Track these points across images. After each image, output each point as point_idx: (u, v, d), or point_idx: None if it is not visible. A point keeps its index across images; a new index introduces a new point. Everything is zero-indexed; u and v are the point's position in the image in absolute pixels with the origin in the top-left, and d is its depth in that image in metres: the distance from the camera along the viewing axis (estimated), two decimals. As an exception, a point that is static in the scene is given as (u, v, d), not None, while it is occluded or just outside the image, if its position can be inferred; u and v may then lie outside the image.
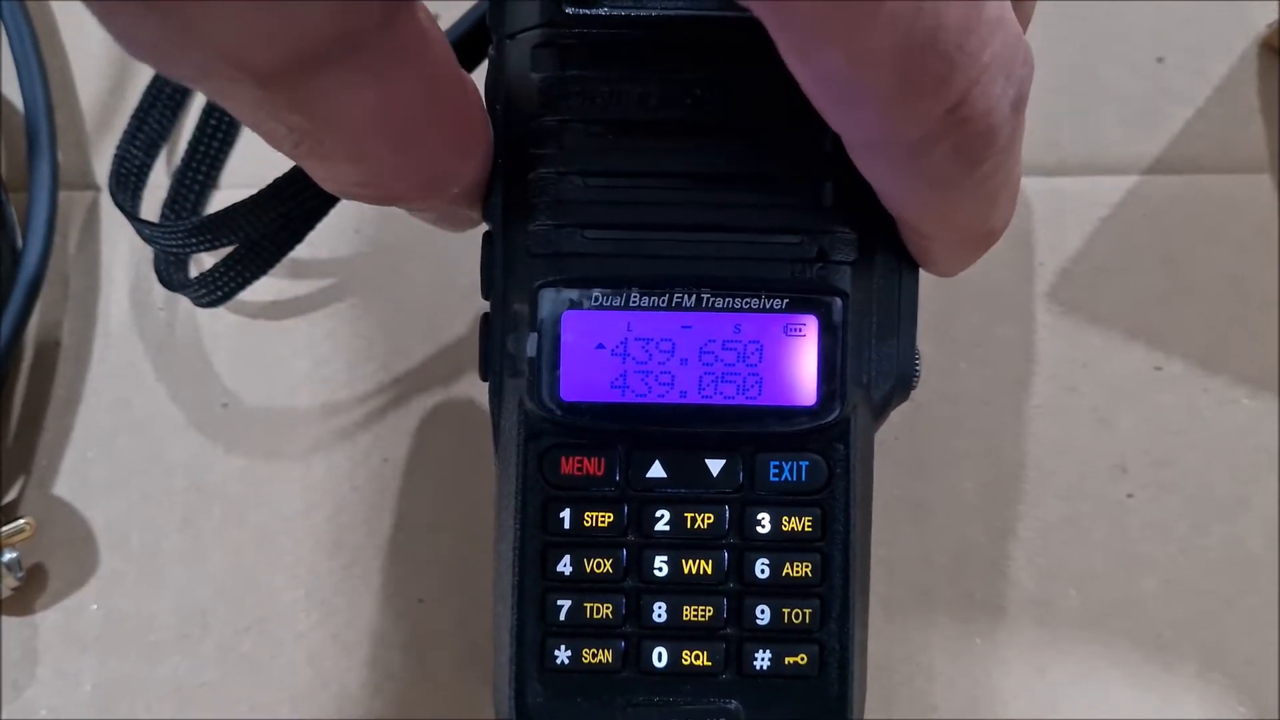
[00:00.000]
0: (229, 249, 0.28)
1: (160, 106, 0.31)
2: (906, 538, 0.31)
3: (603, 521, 0.23)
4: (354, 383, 0.34)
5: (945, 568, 0.32)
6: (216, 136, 0.30)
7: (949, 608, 0.32)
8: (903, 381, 0.23)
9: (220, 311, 0.33)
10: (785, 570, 0.23)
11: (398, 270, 0.34)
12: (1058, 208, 0.33)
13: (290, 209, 0.27)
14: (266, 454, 0.33)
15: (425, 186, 0.20)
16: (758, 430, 0.22)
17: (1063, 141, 0.34)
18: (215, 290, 0.29)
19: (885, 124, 0.17)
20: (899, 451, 0.32)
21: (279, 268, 0.30)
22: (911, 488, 0.32)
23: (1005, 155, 0.18)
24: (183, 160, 0.31)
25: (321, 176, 0.20)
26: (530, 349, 0.22)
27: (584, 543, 0.23)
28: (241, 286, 0.29)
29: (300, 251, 0.30)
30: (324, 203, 0.28)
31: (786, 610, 0.23)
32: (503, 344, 0.22)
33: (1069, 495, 0.32)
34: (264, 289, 0.33)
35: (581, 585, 0.23)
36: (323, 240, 0.34)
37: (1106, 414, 0.33)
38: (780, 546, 0.23)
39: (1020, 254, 0.33)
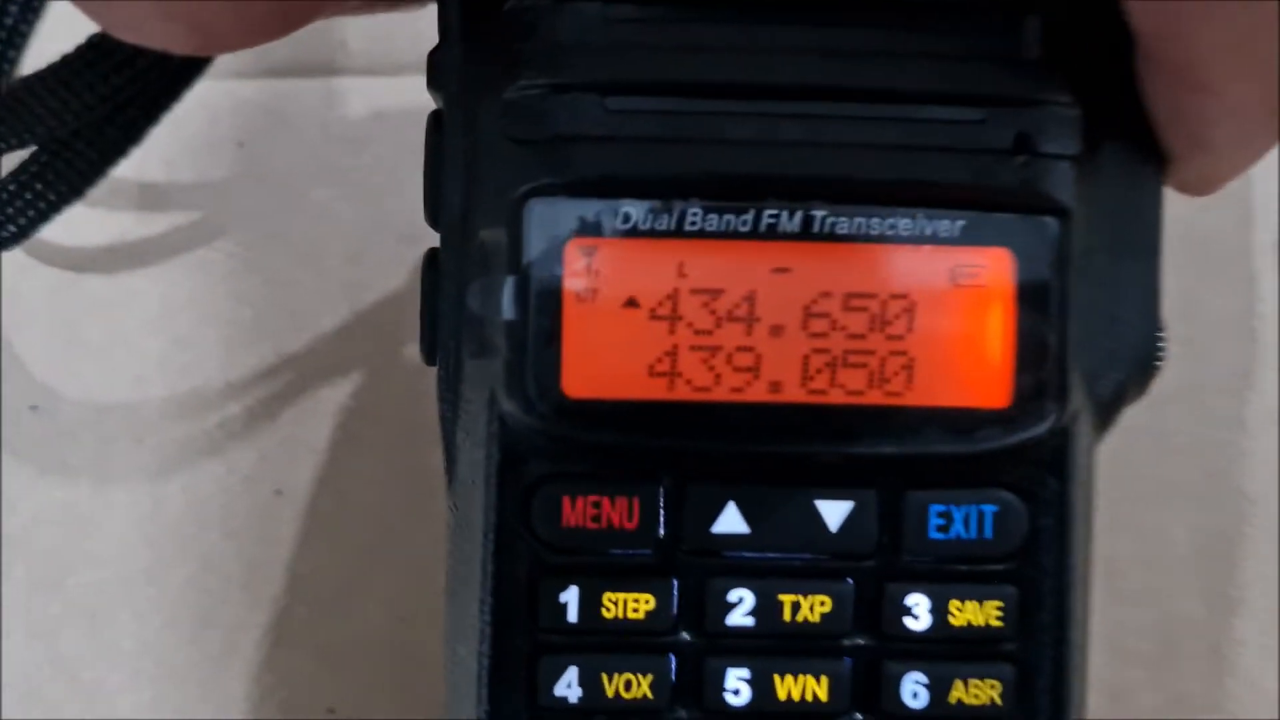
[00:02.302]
0: (22, 153, 0.26)
1: None
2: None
3: (636, 609, 0.20)
4: (230, 373, 0.32)
5: (1148, 658, 0.30)
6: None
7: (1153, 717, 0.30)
8: (1143, 365, 0.21)
9: (26, 264, 0.32)
10: (955, 695, 0.20)
11: (299, 202, 0.32)
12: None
13: (120, 85, 0.24)
14: (96, 481, 0.31)
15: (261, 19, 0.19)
16: (907, 450, 0.20)
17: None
18: (3, 221, 0.27)
19: None
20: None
21: (118, 196, 0.29)
22: (1098, 538, 0.27)
23: None
24: None
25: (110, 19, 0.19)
26: (508, 307, 0.19)
27: (602, 646, 0.20)
28: (44, 217, 0.26)
29: (155, 174, 0.30)
30: (172, 76, 0.25)
31: None
32: (461, 300, 0.20)
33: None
34: (95, 229, 0.31)
35: (598, 722, 0.21)
36: (186, 156, 0.32)
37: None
38: (946, 654, 0.21)
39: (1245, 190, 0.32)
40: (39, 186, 0.26)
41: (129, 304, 0.32)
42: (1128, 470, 0.30)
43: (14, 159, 0.26)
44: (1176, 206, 0.22)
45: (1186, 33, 0.18)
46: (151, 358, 0.32)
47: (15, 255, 0.30)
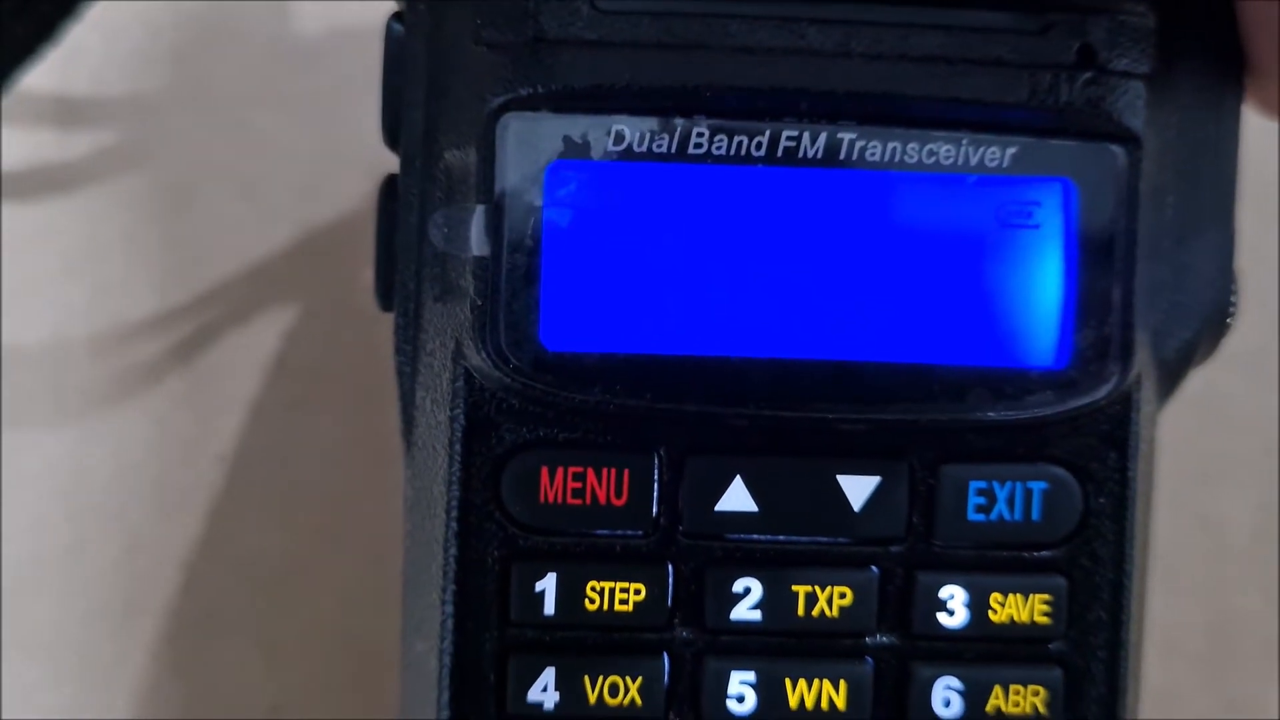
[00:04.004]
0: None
1: None
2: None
3: (624, 601, 0.20)
4: (163, 323, 0.30)
5: (1198, 655, 0.30)
6: None
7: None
8: (1215, 320, 0.21)
9: None
10: (993, 703, 0.20)
11: (244, 120, 0.31)
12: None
13: None
14: (8, 447, 0.30)
15: None
16: (944, 417, 0.20)
17: None
18: None
19: None
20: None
21: (32, 108, 0.29)
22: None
23: None
24: None
25: None
26: (477, 242, 0.19)
27: (585, 643, 0.20)
28: None
29: (79, 85, 0.29)
30: None
31: None
32: (422, 234, 0.20)
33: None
34: (7, 148, 0.30)
35: (579, 730, 0.21)
36: (112, 63, 0.30)
37: None
38: (985, 655, 0.20)
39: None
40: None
41: (48, 242, 0.31)
42: (1177, 445, 0.28)
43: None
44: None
45: None
46: (75, 302, 0.31)
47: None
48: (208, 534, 0.31)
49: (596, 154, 0.19)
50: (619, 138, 0.19)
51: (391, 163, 0.21)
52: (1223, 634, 0.31)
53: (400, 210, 0.20)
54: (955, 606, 0.20)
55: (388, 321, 0.21)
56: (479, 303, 0.19)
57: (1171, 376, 0.21)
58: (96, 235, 0.31)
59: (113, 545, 0.31)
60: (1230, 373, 0.29)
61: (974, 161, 0.19)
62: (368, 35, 0.26)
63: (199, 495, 0.31)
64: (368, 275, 0.22)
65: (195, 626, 0.31)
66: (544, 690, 0.20)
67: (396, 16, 0.20)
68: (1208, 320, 0.21)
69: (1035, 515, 0.20)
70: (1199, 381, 0.26)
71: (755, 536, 0.20)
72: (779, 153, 0.19)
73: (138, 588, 0.31)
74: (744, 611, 0.20)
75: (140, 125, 0.31)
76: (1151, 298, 0.20)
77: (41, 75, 0.26)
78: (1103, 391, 0.19)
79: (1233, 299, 0.21)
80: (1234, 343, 0.26)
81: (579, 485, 0.20)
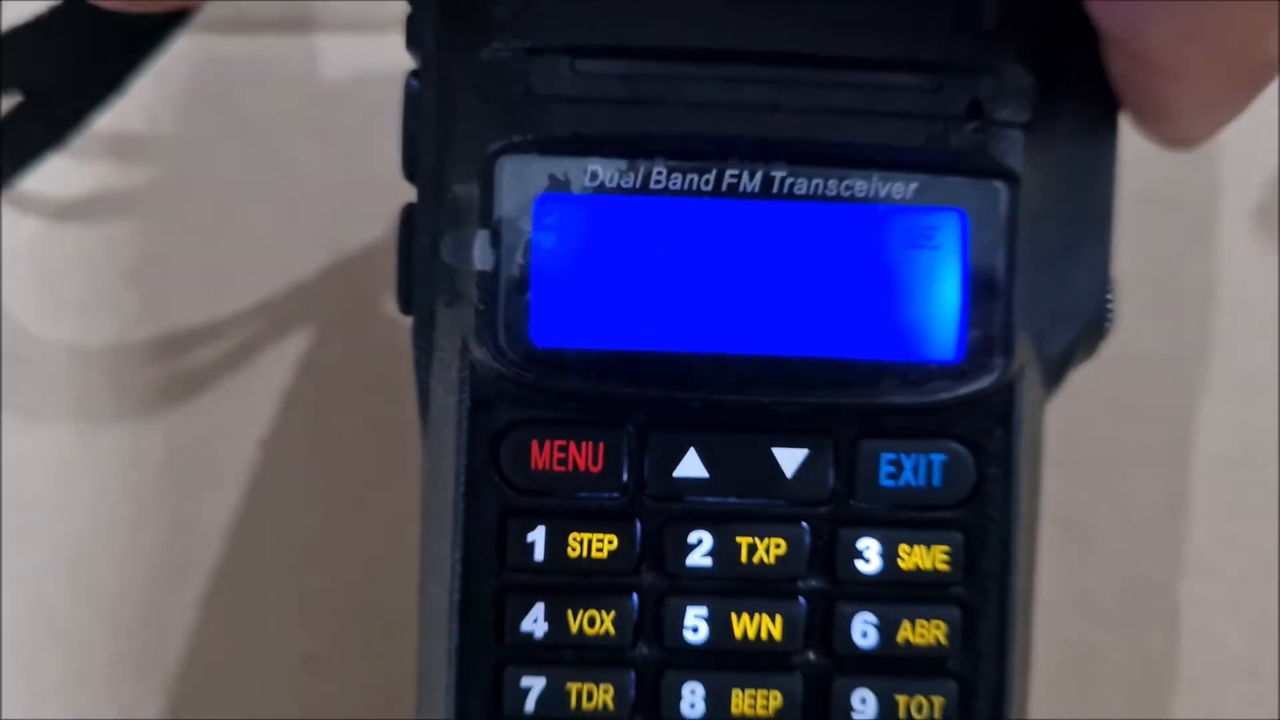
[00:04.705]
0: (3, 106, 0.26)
1: None
2: (1055, 575, 0.27)
3: (600, 549, 0.21)
4: (212, 326, 0.32)
5: (1113, 617, 0.31)
6: None
7: (1119, 676, 0.30)
8: (1092, 326, 0.21)
9: (8, 212, 0.31)
10: (902, 635, 0.21)
11: (281, 151, 0.32)
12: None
13: (100, 37, 0.25)
14: (79, 433, 0.31)
15: None
16: (861, 401, 0.21)
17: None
18: None
19: None
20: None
21: (96, 143, 0.28)
22: (1062, 500, 0.28)
23: None
24: None
25: None
26: (480, 259, 0.20)
27: (568, 585, 0.21)
28: (24, 164, 0.26)
29: (135, 123, 0.29)
30: (153, 29, 0.25)
31: (905, 700, 0.21)
32: (435, 252, 0.21)
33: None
34: (75, 178, 0.31)
35: (563, 654, 0.21)
36: (164, 103, 0.31)
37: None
38: (895, 595, 0.21)
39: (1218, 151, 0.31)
40: (21, 136, 0.26)
41: (109, 255, 0.32)
42: (1096, 435, 0.30)
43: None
44: (1147, 170, 0.22)
45: (1143, 30, 0.18)
46: (130, 307, 0.32)
47: (-4, 204, 0.31)
48: (250, 508, 0.31)
49: (576, 188, 0.20)
50: (594, 175, 0.20)
51: (409, 193, 0.22)
52: (1134, 597, 0.31)
53: (417, 233, 0.21)
54: (871, 556, 0.21)
55: (406, 326, 0.22)
56: (481, 308, 0.20)
57: (1056, 370, 0.22)
58: (152, 252, 0.32)
59: (168, 518, 0.31)
60: (1142, 373, 0.31)
61: (883, 194, 0.20)
62: (388, 79, 0.26)
63: (243, 475, 0.31)
64: (390, 288, 0.22)
65: (238, 587, 0.31)
66: (534, 622, 0.21)
67: (414, 74, 0.21)
68: (1085, 325, 0.21)
69: (936, 481, 0.21)
70: (1116, 381, 0.30)
71: (706, 498, 0.21)
72: (723, 187, 0.20)
73: (189, 554, 0.31)
74: (698, 559, 0.21)
75: (188, 156, 0.32)
76: (1033, 305, 0.21)
77: (103, 115, 0.28)
78: (989, 380, 0.20)
79: (1109, 307, 0.22)
80: (1145, 347, 0.30)
81: (563, 455, 0.21)
